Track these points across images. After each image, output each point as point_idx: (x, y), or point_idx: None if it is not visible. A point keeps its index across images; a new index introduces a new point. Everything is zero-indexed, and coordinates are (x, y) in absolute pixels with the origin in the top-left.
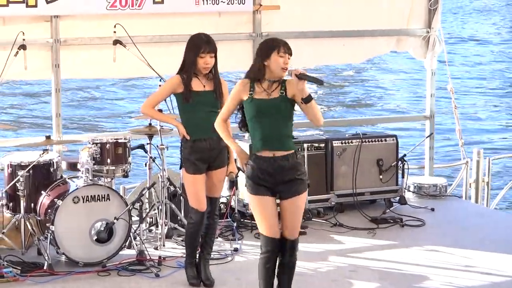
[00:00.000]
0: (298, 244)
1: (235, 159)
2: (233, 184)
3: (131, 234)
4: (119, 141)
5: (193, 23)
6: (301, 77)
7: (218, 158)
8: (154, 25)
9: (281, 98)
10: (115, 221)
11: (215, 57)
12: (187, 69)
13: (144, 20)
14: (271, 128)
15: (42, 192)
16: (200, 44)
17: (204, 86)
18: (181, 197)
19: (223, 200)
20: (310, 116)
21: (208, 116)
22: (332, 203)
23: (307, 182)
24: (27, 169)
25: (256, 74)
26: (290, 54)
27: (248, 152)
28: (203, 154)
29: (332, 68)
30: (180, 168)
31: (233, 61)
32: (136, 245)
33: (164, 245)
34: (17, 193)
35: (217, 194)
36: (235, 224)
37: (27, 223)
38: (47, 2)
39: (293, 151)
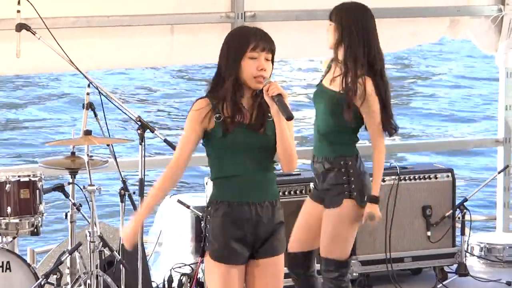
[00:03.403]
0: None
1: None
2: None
3: None
4: (25, 179)
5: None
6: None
7: (270, 240)
8: (79, 1)
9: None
10: None
11: (273, 61)
12: (224, 87)
13: None
14: None
15: None
16: (248, 36)
17: (251, 116)
18: (121, 266)
19: (186, 270)
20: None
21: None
22: (355, 274)
23: None
24: None
25: None
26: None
27: None
28: (243, 229)
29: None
30: (202, 254)
31: (203, 52)
32: None
33: None
34: None
35: None
36: None
37: None
38: None
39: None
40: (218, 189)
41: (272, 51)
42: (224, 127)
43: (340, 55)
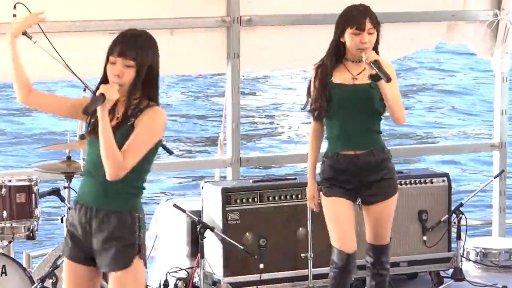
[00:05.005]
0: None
1: None
2: (197, 249)
3: None
4: (21, 184)
5: (136, 3)
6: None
7: (104, 254)
8: (75, 5)
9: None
10: None
11: (138, 68)
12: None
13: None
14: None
15: None
16: (112, 44)
17: (117, 119)
18: None
19: (182, 274)
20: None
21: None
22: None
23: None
24: None
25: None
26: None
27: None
28: (76, 231)
29: None
30: None
31: (198, 58)
32: None
33: None
34: None
35: None
36: None
37: None
38: None
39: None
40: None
41: (132, 57)
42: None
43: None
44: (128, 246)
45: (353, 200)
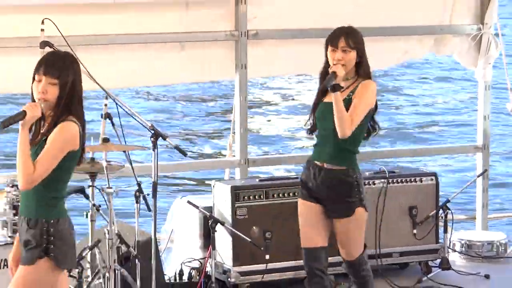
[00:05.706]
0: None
1: None
2: (209, 242)
3: None
4: None
5: (152, 19)
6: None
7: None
8: (98, 20)
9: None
10: None
11: (61, 86)
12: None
13: (84, 15)
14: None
15: None
16: (38, 64)
17: (38, 135)
18: (137, 261)
19: (195, 264)
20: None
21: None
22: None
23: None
24: None
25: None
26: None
27: None
28: (20, 237)
29: None
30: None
31: (208, 71)
32: None
33: None
34: None
35: None
36: None
37: None
38: None
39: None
40: None
41: (56, 76)
42: None
43: (352, 72)
44: (35, 247)
45: (321, 204)
